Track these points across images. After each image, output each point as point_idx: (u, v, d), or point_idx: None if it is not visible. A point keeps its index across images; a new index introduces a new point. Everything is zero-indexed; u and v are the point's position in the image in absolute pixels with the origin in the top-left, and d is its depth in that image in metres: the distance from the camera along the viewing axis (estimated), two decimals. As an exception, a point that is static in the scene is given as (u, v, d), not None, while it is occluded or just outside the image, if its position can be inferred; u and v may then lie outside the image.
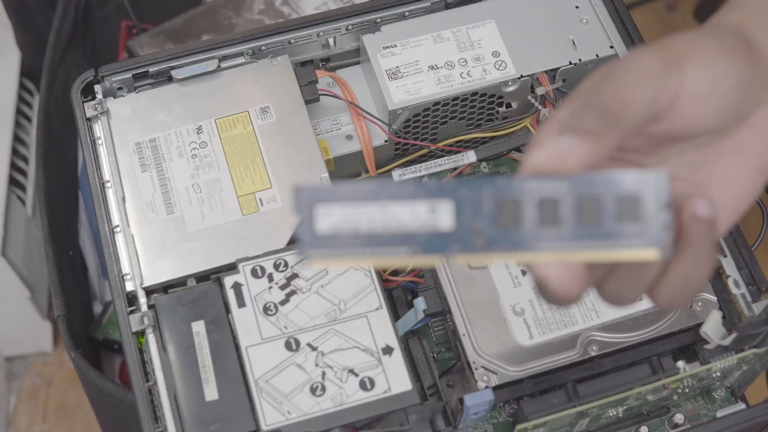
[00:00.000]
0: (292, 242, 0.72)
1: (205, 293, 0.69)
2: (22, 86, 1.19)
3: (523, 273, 0.71)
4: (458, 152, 0.79)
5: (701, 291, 0.71)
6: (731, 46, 0.47)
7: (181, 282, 0.71)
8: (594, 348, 0.69)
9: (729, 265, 0.71)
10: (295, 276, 0.69)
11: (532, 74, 0.79)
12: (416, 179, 0.42)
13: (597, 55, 0.80)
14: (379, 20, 0.81)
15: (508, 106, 0.81)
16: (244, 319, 0.68)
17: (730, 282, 0.70)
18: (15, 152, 1.17)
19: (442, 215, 0.44)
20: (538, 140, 0.43)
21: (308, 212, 0.43)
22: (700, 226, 0.46)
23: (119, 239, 0.72)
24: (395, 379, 0.66)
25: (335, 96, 0.80)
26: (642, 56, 0.46)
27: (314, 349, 0.67)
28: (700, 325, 0.69)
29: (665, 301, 0.47)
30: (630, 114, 0.44)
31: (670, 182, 0.43)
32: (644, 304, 0.70)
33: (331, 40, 0.81)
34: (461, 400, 0.66)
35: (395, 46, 0.80)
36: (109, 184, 0.74)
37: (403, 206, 0.43)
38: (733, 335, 0.67)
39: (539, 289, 0.45)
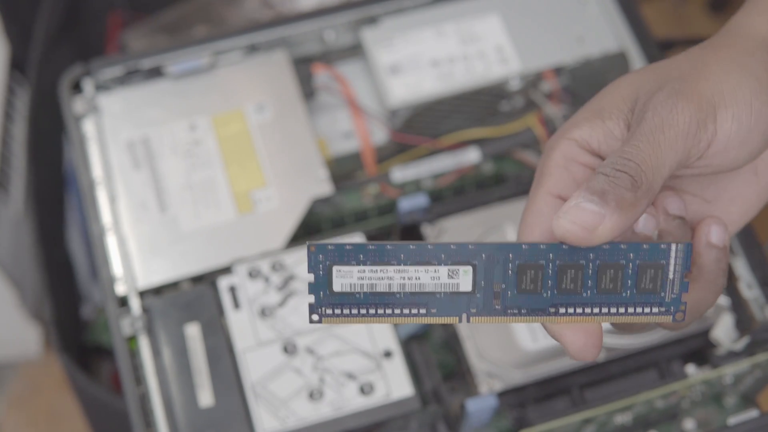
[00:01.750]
0: (295, 239, 0.71)
1: (199, 296, 0.69)
2: (11, 79, 1.18)
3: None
4: (460, 150, 0.78)
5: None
6: (765, 82, 0.46)
7: (174, 284, 0.70)
8: (601, 352, 0.68)
9: (741, 267, 0.70)
10: (292, 278, 0.69)
11: (537, 70, 0.78)
12: (437, 244, 0.43)
13: (604, 51, 0.79)
14: (378, 14, 0.80)
15: (512, 102, 0.80)
16: (239, 322, 0.67)
17: (742, 284, 0.70)
18: (1, 150, 1.16)
19: (462, 279, 0.44)
20: (570, 208, 0.44)
21: (324, 271, 0.44)
22: (714, 253, 0.48)
23: (110, 240, 0.71)
24: (395, 384, 0.66)
25: (333, 92, 0.79)
26: (678, 111, 0.45)
27: (312, 353, 0.67)
28: (710, 329, 0.69)
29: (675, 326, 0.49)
30: (662, 179, 0.45)
31: (691, 251, 0.45)
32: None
33: (328, 35, 0.80)
34: (463, 406, 0.66)
35: (395, 40, 0.79)
36: (99, 183, 0.73)
37: (424, 269, 0.44)
38: (746, 339, 0.67)
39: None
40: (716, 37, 0.50)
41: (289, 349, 0.66)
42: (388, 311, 0.44)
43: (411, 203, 0.71)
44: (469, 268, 0.44)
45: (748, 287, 0.70)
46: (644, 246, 0.44)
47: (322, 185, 0.73)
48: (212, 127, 0.75)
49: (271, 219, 0.72)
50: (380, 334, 0.67)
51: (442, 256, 0.44)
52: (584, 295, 0.45)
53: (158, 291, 0.70)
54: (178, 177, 0.73)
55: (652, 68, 0.49)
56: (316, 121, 0.79)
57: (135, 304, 0.68)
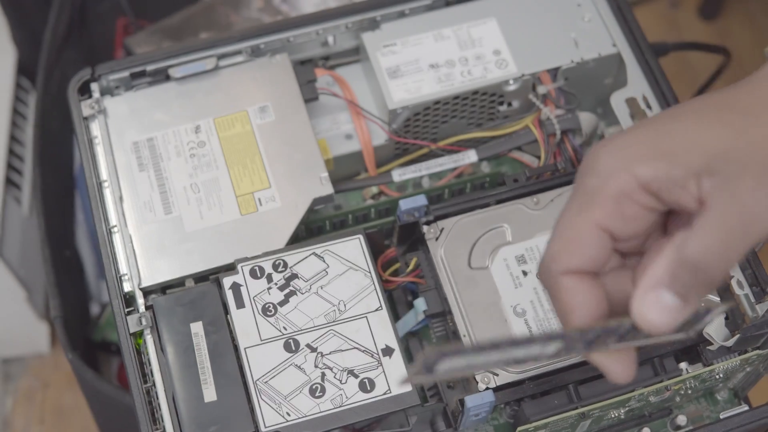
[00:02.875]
0: (296, 239, 0.72)
1: (203, 294, 0.69)
2: (18, 85, 1.18)
3: (525, 273, 0.70)
4: (459, 151, 0.79)
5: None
6: None
7: (179, 282, 0.71)
8: None
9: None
10: (294, 276, 0.69)
11: (534, 73, 0.79)
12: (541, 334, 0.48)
13: (599, 54, 0.79)
14: (378, 18, 0.80)
15: (509, 104, 0.81)
16: (243, 320, 0.68)
17: (733, 283, 0.70)
18: (11, 151, 1.17)
19: (549, 347, 0.49)
20: (656, 305, 0.46)
21: (432, 364, 0.46)
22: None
23: (117, 239, 0.71)
24: (395, 380, 0.66)
25: (335, 95, 0.80)
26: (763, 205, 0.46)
27: (314, 350, 0.67)
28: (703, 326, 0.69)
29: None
30: (728, 270, 0.49)
31: None
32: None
33: (330, 39, 0.81)
34: (462, 402, 0.66)
35: (395, 44, 0.79)
36: (106, 184, 0.73)
37: (520, 349, 0.48)
38: (737, 336, 0.67)
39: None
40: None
41: (291, 346, 0.67)
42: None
43: (411, 204, 0.71)
44: (558, 343, 0.49)
45: (739, 286, 0.70)
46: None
47: (323, 186, 0.73)
48: (216, 129, 0.75)
49: (273, 219, 0.72)
50: (380, 332, 0.67)
51: (539, 340, 0.48)
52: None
53: (163, 289, 0.70)
54: (183, 178, 0.73)
55: (724, 121, 0.47)
56: (318, 122, 0.79)
57: (140, 301, 0.69)
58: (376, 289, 0.69)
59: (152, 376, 0.67)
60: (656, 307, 0.45)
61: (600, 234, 0.47)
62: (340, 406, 0.65)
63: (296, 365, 0.66)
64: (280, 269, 0.69)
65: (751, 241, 0.45)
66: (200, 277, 0.71)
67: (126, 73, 0.77)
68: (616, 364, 0.49)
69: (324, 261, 0.70)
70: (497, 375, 0.67)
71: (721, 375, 0.70)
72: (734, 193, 0.45)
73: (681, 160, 0.46)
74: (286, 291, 0.69)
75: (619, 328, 0.49)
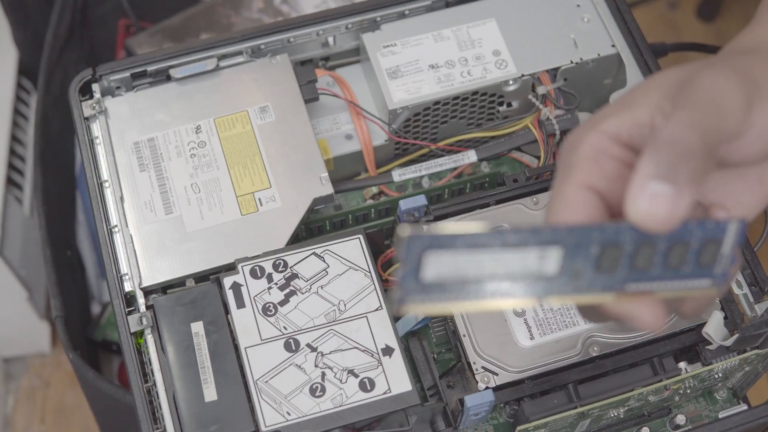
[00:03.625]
0: (297, 239, 0.71)
1: (204, 294, 0.69)
2: (19, 85, 1.18)
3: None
4: (458, 152, 0.79)
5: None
6: None
7: (179, 282, 0.71)
8: (595, 348, 0.68)
9: (731, 266, 0.71)
10: (294, 276, 0.69)
11: (533, 73, 0.79)
12: (529, 230, 0.43)
13: (598, 54, 0.79)
14: (379, 19, 0.81)
15: (509, 105, 0.81)
16: (243, 320, 0.68)
17: (732, 283, 0.70)
18: (12, 152, 1.17)
19: (549, 261, 0.44)
20: (645, 198, 0.43)
21: (416, 260, 0.42)
22: None
23: (117, 239, 0.72)
24: (395, 379, 0.66)
25: (335, 95, 0.80)
26: (734, 84, 0.45)
27: (314, 349, 0.67)
28: (702, 325, 0.69)
29: (690, 314, 0.49)
30: (720, 144, 0.45)
31: (746, 229, 0.46)
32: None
33: (330, 39, 0.81)
34: (461, 401, 0.66)
35: (395, 45, 0.79)
36: (107, 184, 0.73)
37: (515, 254, 0.43)
38: (735, 336, 0.67)
39: (622, 322, 0.46)
40: (737, 45, 0.50)
41: (291, 345, 0.67)
42: (473, 297, 0.43)
43: (411, 204, 0.71)
44: (558, 250, 0.44)
45: (738, 286, 0.70)
46: (709, 224, 0.45)
47: (323, 186, 0.73)
48: (216, 129, 0.75)
49: (273, 219, 0.72)
50: (380, 332, 0.67)
51: (533, 239, 0.43)
52: (652, 271, 0.45)
53: (164, 289, 0.70)
54: (183, 178, 0.73)
55: (687, 64, 0.48)
56: (318, 123, 0.79)
57: (141, 301, 0.69)
58: (376, 288, 0.69)
59: (153, 375, 0.67)
60: (647, 199, 0.42)
61: (587, 194, 0.47)
62: (340, 406, 0.65)
63: (296, 365, 0.66)
64: (280, 269, 0.69)
65: (722, 111, 0.44)
66: (201, 277, 0.71)
67: (127, 74, 0.77)
68: (642, 307, 0.45)
69: (324, 261, 0.70)
70: (497, 375, 0.67)
71: (719, 374, 0.70)
72: (695, 87, 0.45)
73: (643, 101, 0.47)
74: (287, 291, 0.69)
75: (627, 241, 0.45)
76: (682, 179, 0.42)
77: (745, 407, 0.71)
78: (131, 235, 0.72)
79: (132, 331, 0.68)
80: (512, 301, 0.44)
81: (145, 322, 0.68)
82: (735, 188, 0.49)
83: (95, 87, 0.77)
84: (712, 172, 0.44)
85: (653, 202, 0.42)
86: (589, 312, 0.48)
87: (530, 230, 0.43)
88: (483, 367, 0.67)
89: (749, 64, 0.47)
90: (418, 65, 0.78)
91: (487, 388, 0.66)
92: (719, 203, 0.49)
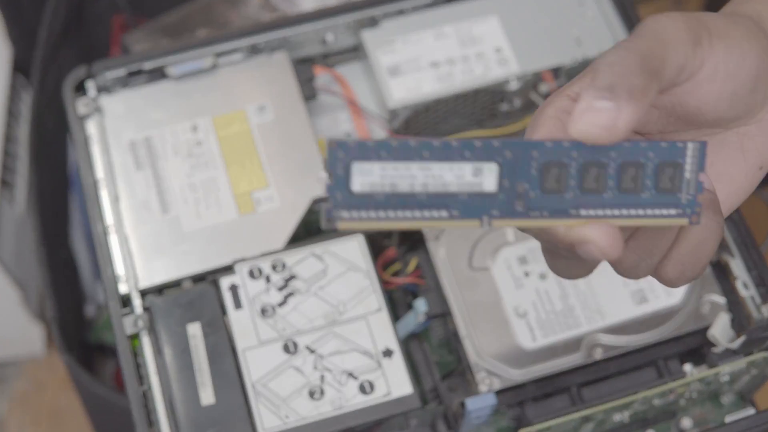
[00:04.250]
0: (296, 239, 0.71)
1: (201, 295, 0.69)
2: (14, 82, 1.18)
3: (526, 274, 0.70)
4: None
5: (711, 292, 0.70)
6: (755, 34, 0.47)
7: (176, 283, 0.70)
8: (599, 351, 0.68)
9: (737, 267, 0.70)
10: (293, 277, 0.69)
11: (536, 71, 0.78)
12: (462, 140, 0.41)
13: (602, 52, 0.78)
14: (378, 16, 0.80)
15: (511, 103, 0.80)
16: (241, 322, 0.67)
17: (738, 284, 0.70)
18: (5, 150, 1.16)
19: (486, 178, 0.42)
20: (584, 110, 0.43)
21: (343, 169, 0.40)
22: (707, 195, 0.46)
23: (113, 240, 0.71)
24: (395, 382, 0.66)
25: (334, 93, 0.79)
26: (679, 22, 0.45)
27: (313, 351, 0.67)
28: (707, 328, 0.69)
29: (675, 273, 0.47)
30: (667, 70, 0.44)
31: (706, 151, 0.44)
32: (651, 306, 0.69)
33: (329, 37, 0.80)
34: (463, 404, 0.66)
35: (395, 42, 0.79)
36: (102, 184, 0.73)
37: (448, 166, 0.42)
38: (742, 338, 0.67)
39: (576, 251, 0.44)
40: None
41: (289, 348, 0.66)
42: (409, 213, 0.41)
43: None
44: (494, 166, 0.42)
45: (744, 287, 0.70)
46: (662, 144, 0.44)
47: (322, 186, 0.72)
48: (214, 128, 0.75)
49: (272, 219, 0.72)
50: (380, 333, 0.67)
51: (467, 153, 0.42)
52: (605, 195, 0.43)
53: (160, 290, 0.70)
54: (180, 177, 0.73)
55: None
56: (317, 121, 0.79)
57: (137, 303, 0.69)
58: (375, 290, 0.69)
59: (149, 378, 0.66)
60: (587, 114, 0.42)
61: None
62: (340, 409, 0.65)
63: (295, 367, 0.66)
64: (278, 270, 0.69)
65: (663, 41, 0.44)
66: (198, 278, 0.70)
67: (123, 71, 0.76)
68: (597, 230, 0.43)
69: (323, 261, 0.69)
70: (499, 377, 0.67)
71: (726, 378, 0.69)
72: (639, 27, 0.46)
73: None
74: (285, 292, 0.68)
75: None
76: (620, 93, 0.42)
77: (752, 411, 0.70)
78: (127, 236, 0.71)
79: (128, 333, 0.67)
80: (452, 223, 0.42)
81: (141, 324, 0.67)
82: (717, 159, 0.49)
83: (90, 84, 0.76)
84: (655, 95, 0.43)
85: (593, 116, 0.42)
86: (543, 241, 0.47)
87: (461, 143, 0.42)
88: (484, 370, 0.67)
89: (700, 14, 0.47)
90: (418, 63, 0.78)
91: (488, 391, 0.66)
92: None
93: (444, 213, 0.42)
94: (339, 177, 0.40)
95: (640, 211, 0.44)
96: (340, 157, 0.40)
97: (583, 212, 0.43)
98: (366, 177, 0.40)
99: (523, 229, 0.46)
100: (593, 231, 0.43)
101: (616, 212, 0.44)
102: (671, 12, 0.46)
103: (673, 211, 0.44)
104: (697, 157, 0.44)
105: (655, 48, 0.44)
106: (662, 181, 0.44)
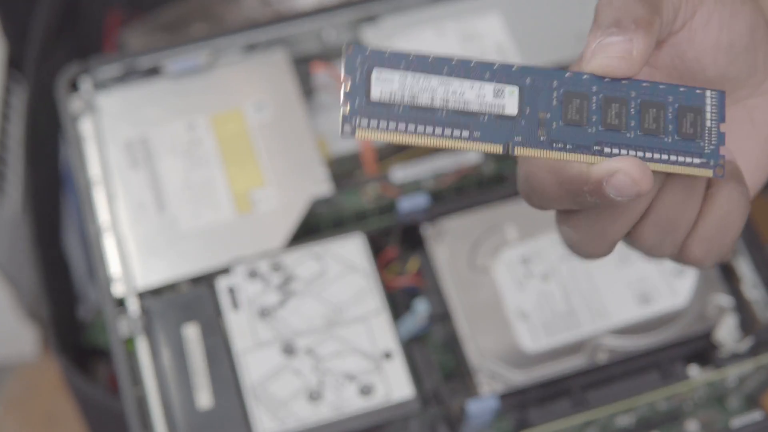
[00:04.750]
0: (295, 239, 0.71)
1: (197, 296, 0.68)
2: (7, 78, 1.17)
3: (528, 275, 0.70)
4: (460, 150, 0.78)
5: (717, 292, 0.69)
6: None
7: (173, 285, 0.70)
8: (602, 353, 0.68)
9: (744, 267, 0.70)
10: (291, 278, 0.68)
11: (537, 69, 0.78)
12: (481, 61, 0.42)
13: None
14: (378, 12, 0.80)
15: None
16: (238, 323, 0.67)
17: (745, 284, 0.69)
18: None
19: (507, 100, 0.42)
20: (596, 49, 0.43)
21: (363, 75, 0.40)
22: (728, 166, 0.45)
23: (108, 240, 0.70)
24: (395, 385, 0.65)
25: (333, 92, 0.79)
26: None
27: (312, 354, 0.66)
28: (713, 329, 0.69)
29: (701, 250, 0.46)
30: (663, 8, 0.44)
31: (724, 100, 0.44)
32: (655, 307, 0.69)
33: (328, 34, 0.80)
34: (464, 407, 0.65)
35: (395, 39, 0.78)
36: (97, 183, 0.72)
37: (469, 84, 0.41)
38: (749, 340, 0.67)
39: (604, 190, 0.42)
40: None
41: (288, 350, 0.66)
42: (429, 129, 0.41)
43: (411, 203, 0.70)
44: (516, 89, 0.42)
45: (751, 288, 0.69)
46: (681, 89, 0.43)
47: (321, 185, 0.72)
48: (211, 126, 0.74)
49: (270, 219, 0.71)
50: (380, 335, 0.67)
51: (487, 74, 0.41)
52: (628, 135, 0.43)
53: (156, 292, 0.69)
54: (177, 177, 0.72)
55: None
56: (316, 120, 0.78)
57: (133, 305, 0.68)
58: (375, 290, 0.68)
59: (144, 381, 0.66)
60: (599, 51, 0.42)
61: None
62: (339, 412, 0.64)
63: (294, 369, 0.66)
64: (277, 270, 0.69)
65: None
66: (194, 279, 0.70)
67: (118, 68, 0.76)
68: (626, 161, 0.42)
69: (322, 262, 0.69)
70: (501, 380, 0.67)
71: (733, 380, 0.69)
72: None
73: None
74: (284, 293, 0.68)
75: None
76: (627, 25, 0.42)
77: (760, 415, 0.69)
78: (122, 236, 0.70)
79: (122, 335, 0.67)
80: (473, 144, 0.42)
81: (136, 326, 0.67)
82: (730, 136, 0.48)
83: (85, 81, 0.75)
84: (658, 30, 0.43)
85: (606, 51, 0.42)
86: (566, 191, 0.45)
87: (479, 64, 0.41)
88: (486, 372, 0.67)
89: None
90: (418, 61, 0.77)
91: (490, 394, 0.66)
92: None
93: (465, 133, 0.41)
94: (358, 83, 0.40)
95: (664, 156, 0.43)
96: (357, 63, 0.40)
97: (606, 150, 0.43)
98: (386, 85, 0.40)
99: (536, 184, 0.45)
100: (622, 161, 0.42)
101: (640, 154, 0.43)
102: None
103: (696, 160, 0.44)
104: (717, 106, 0.44)
105: None
106: (684, 125, 0.43)
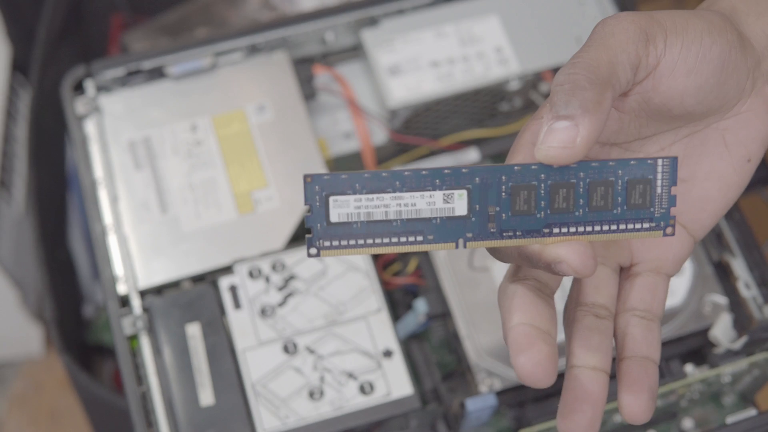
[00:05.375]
0: (295, 239, 0.71)
1: (200, 295, 0.68)
2: (12, 81, 1.17)
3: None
4: (460, 150, 0.78)
5: (712, 292, 0.70)
6: (721, 28, 0.47)
7: (175, 284, 0.70)
8: None
9: (739, 267, 0.70)
10: (293, 277, 0.68)
11: (536, 71, 0.78)
12: (432, 169, 0.43)
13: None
14: (378, 15, 0.79)
15: (511, 103, 0.80)
16: (240, 322, 0.67)
17: (740, 284, 0.69)
18: (3, 150, 1.15)
19: (457, 203, 0.44)
20: (544, 135, 0.43)
21: (322, 201, 0.43)
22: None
23: (112, 240, 0.71)
24: (395, 383, 0.66)
25: (334, 93, 0.79)
26: (628, 23, 0.45)
27: (312, 352, 0.66)
28: (708, 328, 0.69)
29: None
30: (619, 75, 0.44)
31: (677, 165, 0.45)
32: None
33: (329, 36, 0.80)
34: (463, 405, 0.65)
35: (395, 41, 0.78)
36: (101, 184, 0.72)
37: (419, 194, 0.44)
38: (744, 338, 0.67)
39: (553, 270, 0.44)
40: None
41: (289, 348, 0.66)
42: (386, 240, 0.44)
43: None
44: (464, 192, 0.44)
45: (746, 287, 0.69)
46: (632, 162, 0.44)
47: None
48: (213, 127, 0.74)
49: (271, 219, 0.71)
50: (380, 334, 0.67)
51: (437, 181, 0.44)
52: (576, 213, 0.44)
53: (159, 290, 0.69)
54: (179, 177, 0.73)
55: None
56: (317, 121, 0.79)
57: (136, 303, 0.68)
58: (375, 290, 0.68)
59: (148, 379, 0.66)
60: (548, 136, 0.43)
61: None
62: (340, 410, 0.64)
63: (295, 368, 0.66)
64: (278, 270, 0.69)
65: (608, 45, 0.44)
66: (197, 278, 0.70)
67: (122, 71, 0.76)
68: (570, 249, 0.44)
69: (323, 262, 0.69)
70: (499, 378, 0.66)
71: (728, 378, 0.69)
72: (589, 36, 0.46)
73: None
74: (285, 292, 0.68)
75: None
76: (574, 110, 0.42)
77: (754, 412, 0.70)
78: (126, 236, 0.71)
79: (126, 333, 0.67)
80: (428, 246, 0.44)
81: (140, 324, 0.67)
82: (699, 158, 0.49)
83: (89, 83, 0.76)
84: (611, 101, 0.44)
85: (553, 137, 0.43)
86: (524, 263, 0.46)
87: (431, 172, 0.44)
88: (485, 370, 0.66)
89: (655, 12, 0.47)
90: (418, 62, 0.77)
91: (489, 391, 0.66)
92: (689, 179, 0.49)
93: (420, 237, 0.44)
94: (317, 209, 0.43)
95: (613, 226, 0.45)
96: (316, 191, 0.43)
97: (555, 230, 0.44)
98: (342, 209, 0.43)
99: (501, 254, 0.47)
100: (565, 250, 0.43)
101: (589, 228, 0.45)
102: (620, 13, 0.46)
103: (646, 225, 0.45)
104: (669, 172, 0.45)
105: (602, 55, 0.44)
106: (633, 197, 0.45)
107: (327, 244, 0.43)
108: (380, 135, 0.78)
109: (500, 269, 0.70)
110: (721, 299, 0.69)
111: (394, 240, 0.44)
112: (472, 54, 0.78)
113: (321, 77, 0.79)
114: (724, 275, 0.71)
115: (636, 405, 0.46)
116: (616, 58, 0.44)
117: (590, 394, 0.45)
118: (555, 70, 0.78)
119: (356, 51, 0.81)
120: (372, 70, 0.78)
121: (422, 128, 0.79)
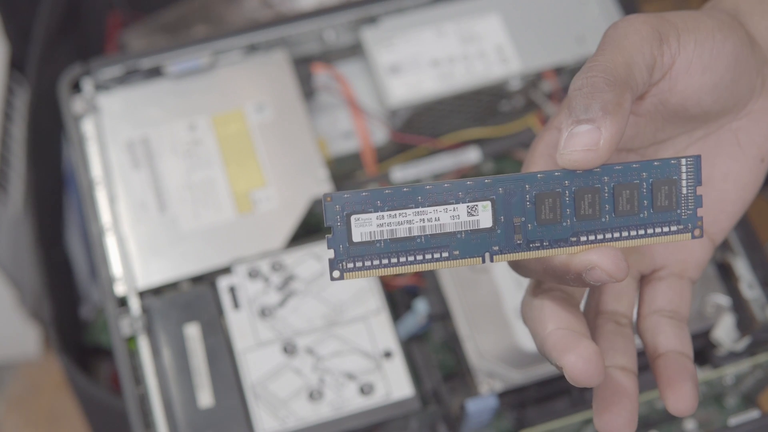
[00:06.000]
0: (295, 239, 0.71)
1: (199, 296, 0.68)
2: (9, 79, 1.17)
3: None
4: (460, 149, 0.78)
5: (715, 292, 0.69)
6: (729, 26, 0.47)
7: (174, 284, 0.70)
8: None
9: (742, 267, 0.70)
10: (292, 278, 0.68)
11: (537, 70, 0.78)
12: (456, 181, 0.43)
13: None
14: (378, 14, 0.79)
15: (512, 102, 0.80)
16: (239, 323, 0.67)
17: (742, 284, 0.69)
18: (0, 150, 1.15)
19: (481, 215, 0.43)
20: (566, 141, 0.43)
21: (343, 221, 0.42)
22: None
23: (110, 240, 0.70)
24: (395, 384, 0.65)
25: (333, 92, 0.79)
26: (641, 24, 0.45)
27: (312, 353, 0.66)
28: (711, 329, 0.69)
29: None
30: (636, 76, 0.44)
31: (701, 164, 0.44)
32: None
33: (328, 35, 0.80)
34: (463, 406, 0.65)
35: (395, 40, 0.78)
36: (98, 183, 0.72)
37: (443, 209, 0.43)
38: (747, 339, 0.67)
39: (584, 279, 0.44)
40: None
41: (288, 349, 0.66)
42: (411, 258, 0.43)
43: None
44: (488, 203, 0.43)
45: (749, 287, 0.69)
46: (655, 163, 0.44)
47: (322, 185, 0.72)
48: (212, 126, 0.74)
49: (270, 219, 0.71)
50: (380, 335, 0.67)
51: (459, 194, 0.43)
52: (603, 220, 0.44)
53: (158, 291, 0.69)
54: (178, 177, 0.72)
55: None
56: (316, 120, 0.78)
57: (134, 304, 0.68)
58: (376, 291, 0.68)
59: (146, 380, 0.66)
60: (569, 141, 0.43)
61: None
62: (339, 411, 0.64)
63: (294, 369, 0.66)
64: (277, 270, 0.69)
65: (622, 47, 0.44)
66: (196, 279, 0.70)
67: (120, 69, 0.76)
68: (601, 254, 0.43)
69: (322, 262, 0.69)
70: (500, 379, 0.66)
71: (730, 379, 0.69)
72: (601, 40, 0.46)
73: None
74: (284, 293, 0.68)
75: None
76: (595, 114, 0.42)
77: (757, 414, 0.69)
78: (124, 236, 0.70)
79: (125, 335, 0.67)
80: (454, 262, 0.43)
81: (137, 325, 0.67)
82: (714, 160, 0.49)
83: (87, 82, 0.75)
84: (631, 103, 0.43)
85: (575, 142, 0.42)
86: (551, 278, 0.46)
87: (453, 184, 0.43)
88: (485, 372, 0.66)
89: (666, 13, 0.47)
90: (418, 61, 0.77)
91: (489, 393, 0.65)
92: (707, 182, 0.49)
93: (445, 254, 0.43)
94: (338, 230, 0.42)
95: (641, 231, 0.44)
96: (336, 211, 0.42)
97: (582, 238, 0.44)
98: (365, 227, 0.42)
99: (524, 270, 0.46)
100: (597, 255, 0.43)
101: (617, 234, 0.44)
102: (631, 15, 0.46)
103: (674, 228, 0.45)
104: (693, 172, 0.44)
105: (617, 57, 0.44)
106: (659, 199, 0.44)
107: (350, 265, 0.43)
108: (380, 134, 0.78)
109: (500, 270, 0.70)
110: (724, 300, 0.69)
111: (419, 258, 0.43)
112: (473, 53, 0.78)
113: (320, 76, 0.79)
114: (727, 276, 0.71)
115: (682, 398, 0.45)
116: (632, 59, 0.44)
117: (626, 389, 0.45)
118: (556, 69, 0.78)
119: (356, 50, 0.81)
120: (372, 69, 0.78)
121: (422, 127, 0.79)
